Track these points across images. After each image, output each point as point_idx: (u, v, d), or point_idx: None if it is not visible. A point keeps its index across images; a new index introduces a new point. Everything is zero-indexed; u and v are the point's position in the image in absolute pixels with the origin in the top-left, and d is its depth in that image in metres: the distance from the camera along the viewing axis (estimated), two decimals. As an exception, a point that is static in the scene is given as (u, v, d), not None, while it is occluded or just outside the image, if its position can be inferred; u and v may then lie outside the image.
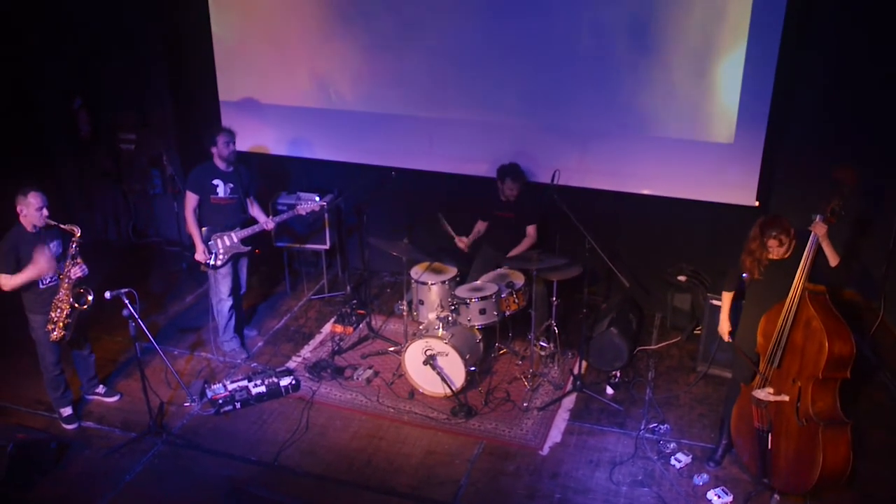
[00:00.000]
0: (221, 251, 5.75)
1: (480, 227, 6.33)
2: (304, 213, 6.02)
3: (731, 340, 4.73)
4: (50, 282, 4.91)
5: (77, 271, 4.88)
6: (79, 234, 4.83)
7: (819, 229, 4.06)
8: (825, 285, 4.20)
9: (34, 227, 4.79)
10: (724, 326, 4.78)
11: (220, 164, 5.71)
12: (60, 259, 4.94)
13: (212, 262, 5.74)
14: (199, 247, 5.71)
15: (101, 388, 5.52)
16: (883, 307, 5.63)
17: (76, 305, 4.91)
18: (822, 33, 5.47)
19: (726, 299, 4.79)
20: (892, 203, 5.46)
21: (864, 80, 5.45)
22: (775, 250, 4.27)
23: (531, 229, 6.10)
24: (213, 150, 5.68)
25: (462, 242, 6.22)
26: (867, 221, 5.68)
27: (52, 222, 4.78)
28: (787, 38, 5.45)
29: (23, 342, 5.18)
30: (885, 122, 5.48)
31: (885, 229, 5.55)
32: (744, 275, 4.51)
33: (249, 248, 5.89)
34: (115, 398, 5.53)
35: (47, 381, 5.16)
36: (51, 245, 4.88)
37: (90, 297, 4.95)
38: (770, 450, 4.40)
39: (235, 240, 5.77)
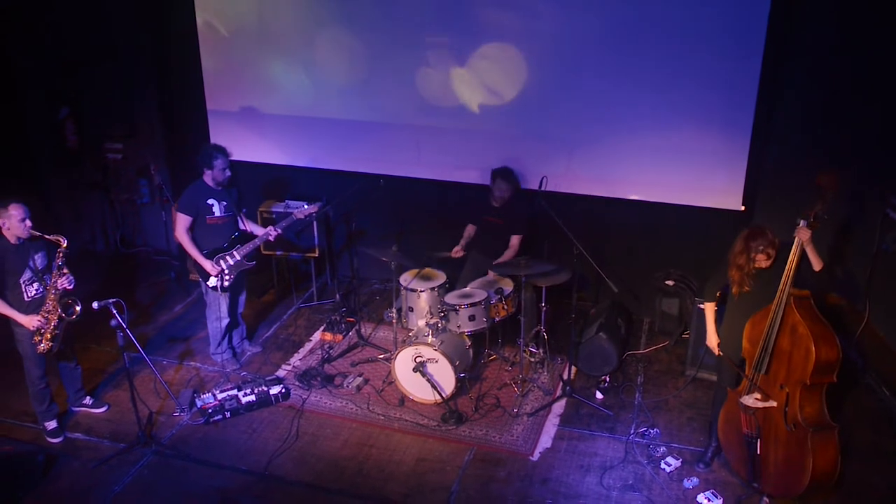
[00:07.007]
0: (227, 272, 5.66)
1: (470, 230, 6.35)
2: (302, 216, 5.88)
3: (721, 354, 4.64)
4: (35, 294, 4.86)
5: (64, 282, 4.83)
6: (65, 245, 4.77)
7: (803, 235, 4.09)
8: (809, 290, 4.23)
9: (18, 239, 4.72)
10: (714, 339, 4.70)
11: (212, 184, 5.58)
12: (45, 271, 4.89)
13: (220, 285, 5.65)
14: (208, 264, 5.56)
15: (88, 400, 5.48)
16: (868, 310, 5.67)
17: (64, 316, 4.87)
18: (805, 39, 5.53)
19: (710, 311, 4.72)
20: (875, 206, 5.51)
21: (847, 87, 5.51)
22: (763, 262, 4.28)
23: (515, 240, 6.11)
24: (208, 171, 5.53)
25: (456, 253, 6.23)
26: (850, 225, 5.73)
27: (37, 233, 4.72)
28: (770, 43, 5.51)
29: (9, 353, 5.13)
30: (867, 128, 5.54)
31: (868, 232, 5.60)
32: (732, 288, 4.45)
33: (254, 263, 5.82)
34: (103, 409, 5.48)
35: (32, 395, 5.11)
36: (35, 258, 4.83)
37: (78, 308, 4.89)
38: (759, 455, 4.42)
39: (238, 258, 5.67)
